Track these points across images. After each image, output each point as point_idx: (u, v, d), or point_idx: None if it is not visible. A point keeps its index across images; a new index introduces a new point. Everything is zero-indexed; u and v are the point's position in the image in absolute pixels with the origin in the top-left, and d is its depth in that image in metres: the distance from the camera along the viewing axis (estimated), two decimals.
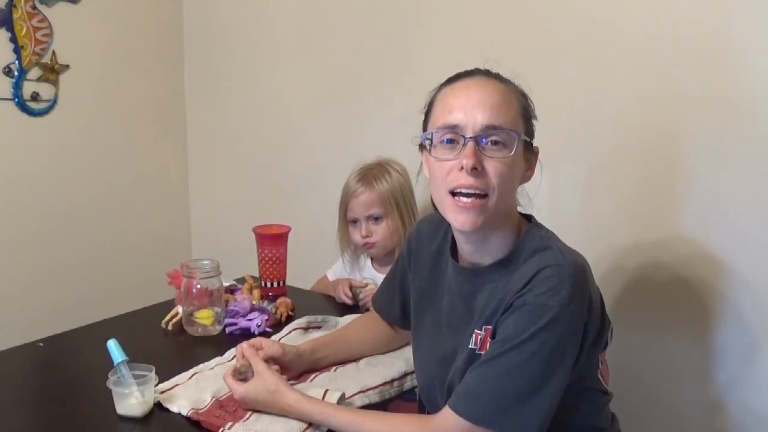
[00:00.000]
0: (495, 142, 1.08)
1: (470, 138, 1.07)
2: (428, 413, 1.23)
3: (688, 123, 1.62)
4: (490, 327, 1.10)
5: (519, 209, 1.20)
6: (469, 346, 1.12)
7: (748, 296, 1.59)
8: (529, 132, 1.14)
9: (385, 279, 1.47)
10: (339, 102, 2.31)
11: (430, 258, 1.28)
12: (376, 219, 1.76)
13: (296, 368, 1.35)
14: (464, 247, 1.18)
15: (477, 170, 1.06)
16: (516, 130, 1.09)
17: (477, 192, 1.07)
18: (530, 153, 1.15)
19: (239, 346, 1.31)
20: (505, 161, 1.08)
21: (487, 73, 1.14)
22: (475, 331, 1.12)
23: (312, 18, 2.35)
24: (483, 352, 1.09)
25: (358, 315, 1.66)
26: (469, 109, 1.08)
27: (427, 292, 1.27)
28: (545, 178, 1.81)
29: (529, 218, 1.20)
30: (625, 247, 1.76)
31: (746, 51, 1.53)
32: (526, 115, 1.13)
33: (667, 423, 1.74)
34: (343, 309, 1.75)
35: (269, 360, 1.28)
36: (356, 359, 1.43)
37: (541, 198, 1.82)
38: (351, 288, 1.78)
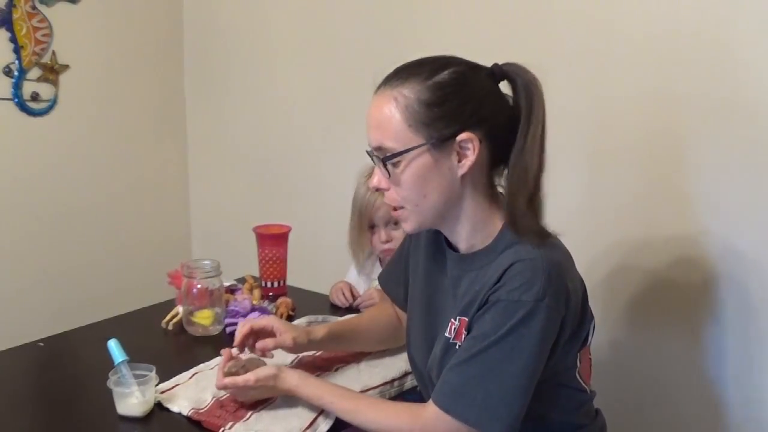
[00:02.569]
0: (383, 162, 1.09)
1: (373, 159, 1.12)
2: (419, 390, 1.28)
3: (688, 123, 1.62)
4: (465, 318, 1.10)
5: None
6: (445, 334, 1.13)
7: (746, 295, 1.59)
8: (435, 131, 1.07)
9: (392, 258, 1.44)
10: (339, 101, 2.31)
11: (430, 239, 1.27)
12: (396, 223, 1.74)
13: (301, 351, 1.38)
14: (444, 233, 1.19)
15: (382, 188, 1.12)
16: (396, 149, 1.07)
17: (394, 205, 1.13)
18: (450, 147, 1.07)
19: (242, 324, 1.33)
20: (401, 177, 1.09)
21: (387, 80, 1.12)
22: (451, 320, 1.13)
23: (312, 18, 2.35)
24: (457, 342, 1.10)
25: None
26: (367, 131, 1.12)
27: (425, 271, 1.26)
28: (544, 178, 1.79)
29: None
30: (624, 246, 1.76)
31: (747, 51, 1.53)
32: (419, 118, 1.07)
33: (664, 421, 1.74)
34: (343, 309, 1.75)
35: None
36: (362, 347, 1.43)
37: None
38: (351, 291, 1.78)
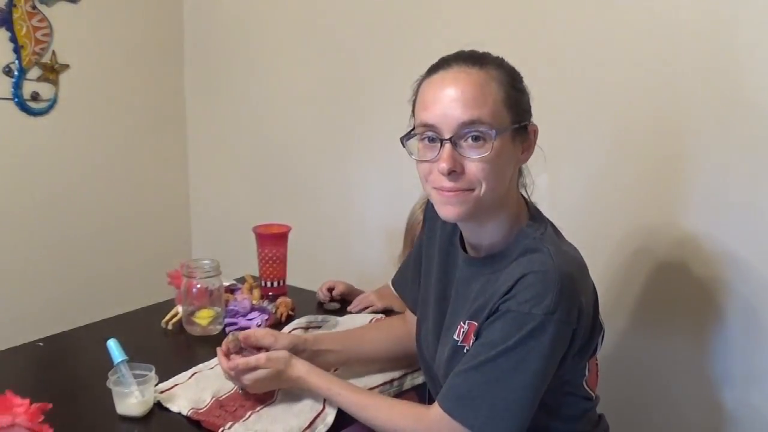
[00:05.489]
0: (475, 138, 1.04)
1: (447, 139, 1.04)
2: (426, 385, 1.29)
3: (690, 121, 1.62)
4: (474, 323, 1.09)
5: (523, 191, 1.19)
6: (454, 337, 1.13)
7: (750, 295, 1.59)
8: (518, 116, 1.08)
9: (405, 260, 1.42)
10: (339, 102, 2.31)
11: (445, 234, 1.26)
12: None
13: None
14: (463, 231, 1.18)
15: (456, 172, 1.05)
16: (493, 125, 1.04)
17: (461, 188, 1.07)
18: (523, 135, 1.10)
19: (228, 337, 1.32)
20: (485, 158, 1.04)
21: (465, 60, 1.08)
22: (460, 322, 1.12)
23: (312, 18, 2.35)
24: (465, 345, 1.10)
25: (359, 315, 1.66)
26: (445, 107, 1.05)
27: (439, 266, 1.25)
28: (546, 178, 1.81)
29: (533, 209, 1.18)
30: (626, 245, 1.76)
31: (748, 48, 1.53)
32: (511, 101, 1.07)
33: (667, 424, 1.74)
34: (343, 309, 1.75)
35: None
36: (368, 361, 1.39)
37: (541, 197, 1.83)
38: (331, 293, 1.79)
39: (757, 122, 1.53)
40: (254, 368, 1.23)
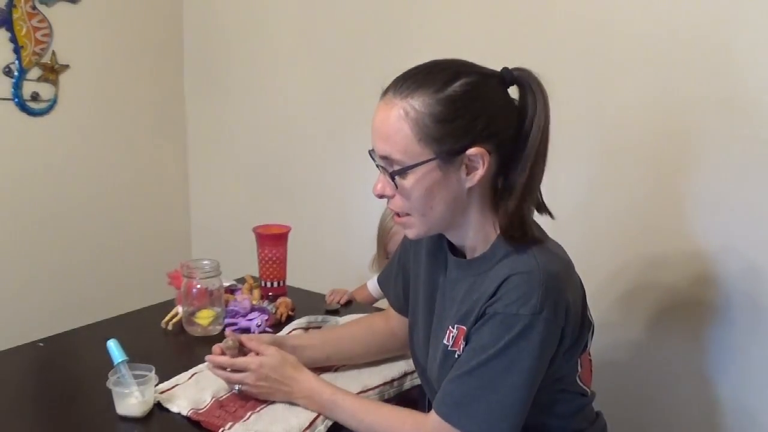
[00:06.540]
0: (390, 172, 1.07)
1: (377, 166, 1.09)
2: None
3: (690, 124, 1.62)
4: (463, 328, 1.10)
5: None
6: (444, 341, 1.13)
7: (746, 297, 1.59)
8: (446, 145, 1.04)
9: (391, 259, 1.43)
10: (339, 102, 2.31)
11: (432, 238, 1.26)
12: None
13: None
14: (446, 236, 1.19)
15: (386, 195, 1.10)
16: (404, 161, 1.04)
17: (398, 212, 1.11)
18: (459, 159, 1.05)
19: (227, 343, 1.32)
20: (408, 189, 1.06)
21: (398, 87, 1.07)
22: (449, 327, 1.13)
23: (312, 18, 2.35)
24: (456, 350, 1.10)
25: (359, 315, 1.66)
26: (373, 137, 1.09)
27: (427, 270, 1.26)
28: (546, 180, 1.81)
29: None
30: (626, 247, 1.76)
31: (749, 51, 1.53)
32: (429, 134, 1.03)
33: (664, 421, 1.74)
34: (344, 309, 1.75)
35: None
36: (347, 356, 1.40)
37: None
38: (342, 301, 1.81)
39: (757, 123, 1.53)
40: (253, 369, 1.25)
